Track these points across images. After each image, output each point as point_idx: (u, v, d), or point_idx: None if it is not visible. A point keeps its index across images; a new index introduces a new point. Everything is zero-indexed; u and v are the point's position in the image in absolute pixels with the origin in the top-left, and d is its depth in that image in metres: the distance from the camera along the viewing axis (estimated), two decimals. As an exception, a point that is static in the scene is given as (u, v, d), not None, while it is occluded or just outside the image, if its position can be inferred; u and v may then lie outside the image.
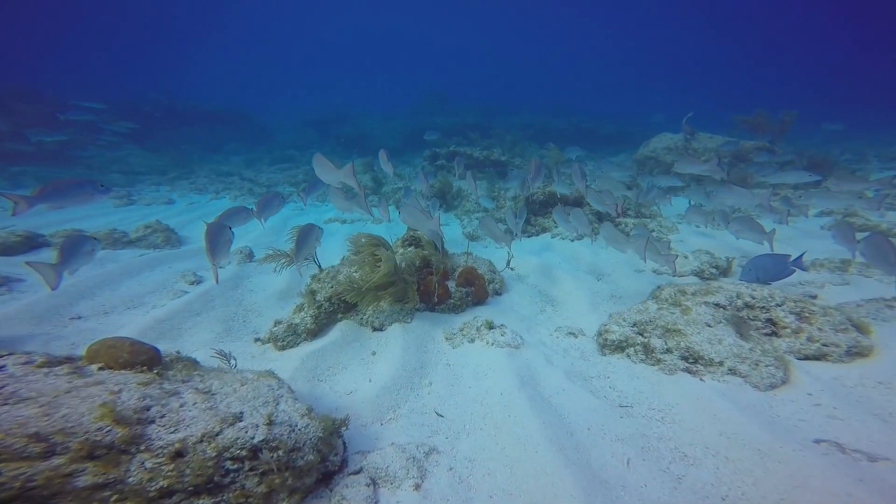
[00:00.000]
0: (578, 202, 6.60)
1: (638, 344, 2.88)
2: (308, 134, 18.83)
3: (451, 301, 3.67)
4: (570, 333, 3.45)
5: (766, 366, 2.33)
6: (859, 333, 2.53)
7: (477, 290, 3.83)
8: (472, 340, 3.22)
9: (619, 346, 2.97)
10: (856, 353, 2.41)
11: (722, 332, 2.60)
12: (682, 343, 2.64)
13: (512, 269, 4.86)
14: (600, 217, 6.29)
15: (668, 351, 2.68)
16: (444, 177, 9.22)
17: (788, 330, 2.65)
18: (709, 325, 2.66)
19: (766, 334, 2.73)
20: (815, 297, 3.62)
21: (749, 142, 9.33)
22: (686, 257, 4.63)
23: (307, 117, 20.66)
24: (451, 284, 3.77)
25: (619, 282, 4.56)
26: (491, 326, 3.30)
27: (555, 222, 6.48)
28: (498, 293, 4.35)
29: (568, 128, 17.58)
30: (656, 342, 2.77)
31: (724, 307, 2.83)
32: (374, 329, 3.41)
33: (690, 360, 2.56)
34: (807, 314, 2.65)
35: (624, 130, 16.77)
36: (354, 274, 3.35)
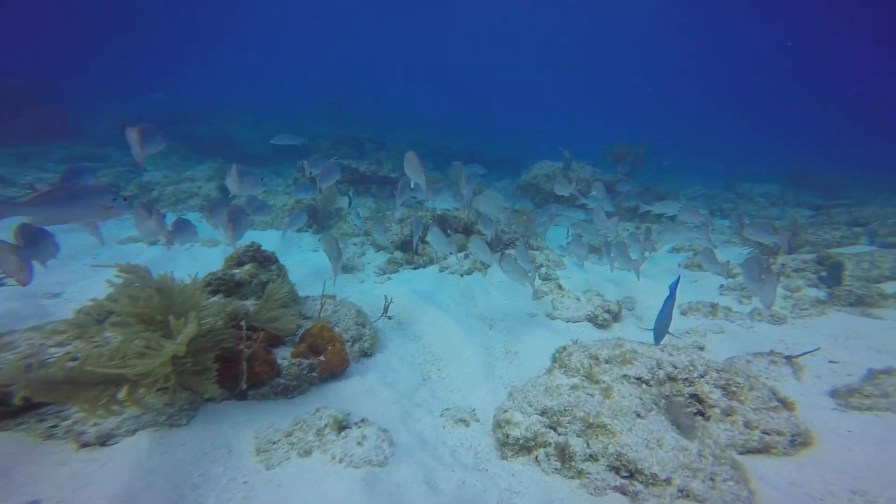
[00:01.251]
0: (468, 228, 5.95)
1: (550, 444, 2.04)
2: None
3: (281, 381, 2.36)
4: (461, 420, 2.49)
5: (725, 480, 1.67)
6: (788, 411, 2.12)
7: (329, 358, 2.61)
8: (308, 453, 1.99)
9: (525, 447, 2.11)
10: (799, 442, 1.97)
11: (657, 425, 1.92)
12: (610, 446, 1.87)
13: (390, 317, 3.78)
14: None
15: (593, 458, 1.89)
16: (330, 190, 7.76)
17: (718, 410, 2.13)
18: (639, 416, 1.96)
19: (688, 412, 2.17)
20: (702, 348, 3.38)
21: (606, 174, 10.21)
22: (578, 299, 4.19)
23: (145, 109, 16.60)
24: (285, 353, 2.47)
25: (514, 329, 3.85)
26: (342, 426, 2.12)
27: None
28: (367, 354, 3.21)
29: (461, 149, 17.66)
30: (575, 443, 1.97)
31: (647, 382, 2.20)
32: (83, 445, 1.89)
33: (624, 474, 1.80)
34: (733, 388, 2.17)
35: (511, 155, 17.52)
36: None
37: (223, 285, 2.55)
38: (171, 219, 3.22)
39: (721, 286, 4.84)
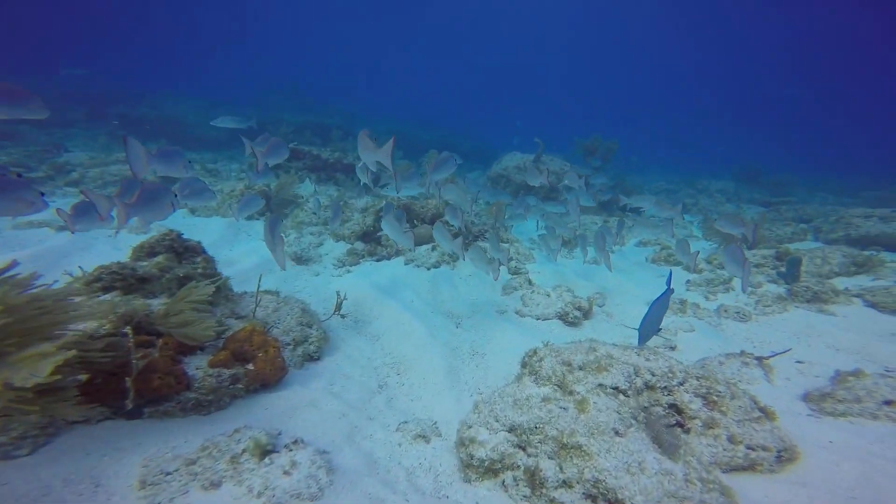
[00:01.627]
0: (437, 218, 5.61)
1: (519, 467, 1.78)
2: (67, 109, 13.09)
3: (192, 396, 1.93)
4: (421, 436, 2.18)
5: (711, 512, 1.46)
6: (770, 422, 1.97)
7: (260, 366, 2.20)
8: (215, 486, 1.61)
9: (491, 469, 1.84)
10: (786, 458, 1.82)
11: (638, 444, 1.70)
12: (586, 470, 1.63)
13: (343, 315, 3.40)
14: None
15: (567, 485, 1.64)
16: (288, 177, 7.10)
17: (698, 422, 1.94)
18: (618, 434, 1.73)
19: (669, 425, 1.98)
20: (674, 347, 3.26)
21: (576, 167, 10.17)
22: (548, 295, 3.98)
23: (71, 89, 14.76)
24: (201, 363, 2.04)
25: (482, 327, 3.59)
26: (266, 450, 1.74)
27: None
28: (314, 358, 2.83)
29: (432, 140, 17.23)
30: (547, 466, 1.71)
31: (625, 392, 1.98)
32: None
33: (601, 504, 1.56)
34: (714, 397, 1.99)
35: (481, 147, 17.27)
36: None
37: (119, 281, 2.06)
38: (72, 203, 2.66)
39: (687, 281, 4.81)
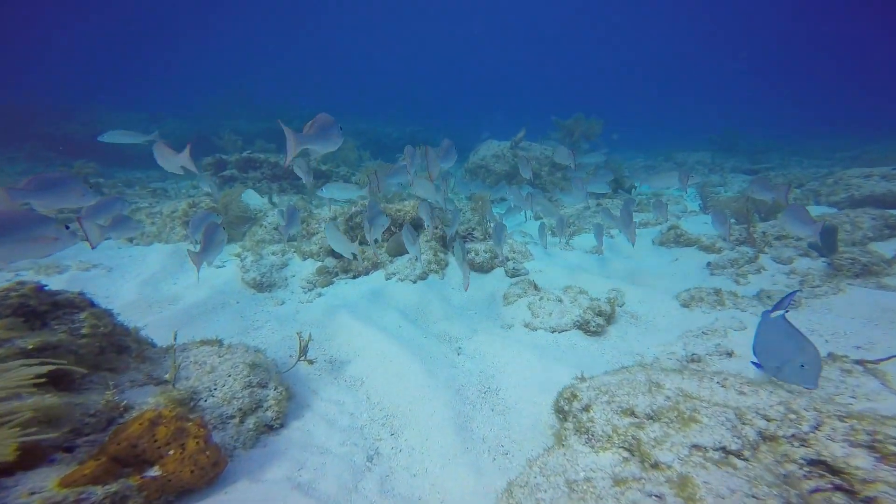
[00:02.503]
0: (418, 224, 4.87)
1: None
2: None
3: None
4: (432, 551, 1.47)
5: None
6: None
7: (174, 468, 1.41)
8: None
9: None
10: None
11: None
12: None
13: (311, 361, 2.61)
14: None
15: None
16: (233, 190, 6.19)
17: (881, 488, 1.27)
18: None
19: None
20: (731, 354, 2.64)
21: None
22: (560, 301, 3.31)
23: None
24: (44, 482, 1.23)
25: (487, 351, 2.87)
26: None
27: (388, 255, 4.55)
28: (273, 427, 2.06)
29: (402, 137, 16.42)
30: None
31: (739, 455, 1.31)
32: None
33: None
34: (879, 439, 1.33)
35: (456, 142, 16.58)
36: None
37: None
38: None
39: (708, 264, 4.24)
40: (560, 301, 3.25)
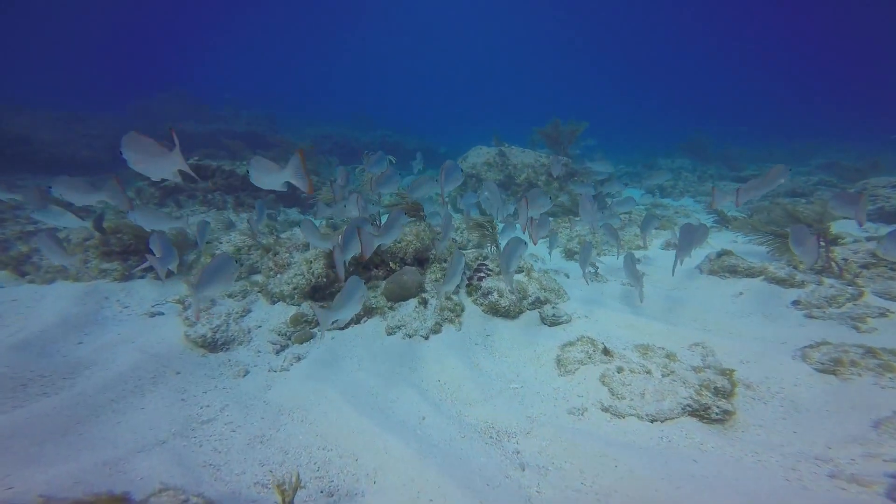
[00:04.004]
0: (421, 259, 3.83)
1: None
2: None
3: None
4: None
5: None
6: None
7: None
8: None
9: None
10: None
11: None
12: None
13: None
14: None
15: None
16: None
17: None
18: None
19: None
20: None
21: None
22: (648, 372, 2.41)
23: None
24: None
25: (565, 461, 1.92)
26: None
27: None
28: None
29: (372, 141, 15.26)
30: None
31: None
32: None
33: None
34: None
35: (429, 145, 15.64)
36: None
37: None
38: None
39: (796, 302, 3.40)
40: (648, 373, 2.35)
